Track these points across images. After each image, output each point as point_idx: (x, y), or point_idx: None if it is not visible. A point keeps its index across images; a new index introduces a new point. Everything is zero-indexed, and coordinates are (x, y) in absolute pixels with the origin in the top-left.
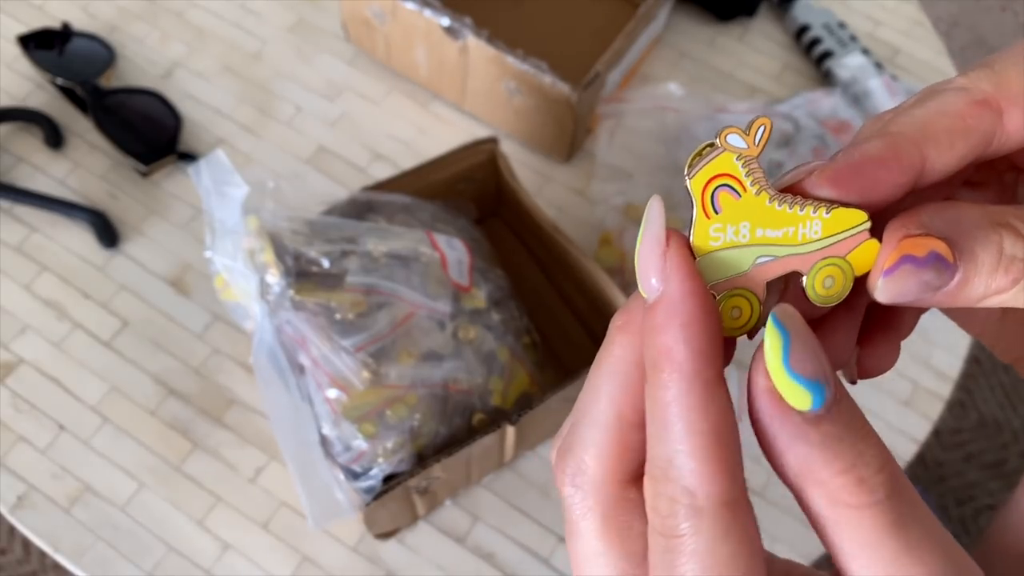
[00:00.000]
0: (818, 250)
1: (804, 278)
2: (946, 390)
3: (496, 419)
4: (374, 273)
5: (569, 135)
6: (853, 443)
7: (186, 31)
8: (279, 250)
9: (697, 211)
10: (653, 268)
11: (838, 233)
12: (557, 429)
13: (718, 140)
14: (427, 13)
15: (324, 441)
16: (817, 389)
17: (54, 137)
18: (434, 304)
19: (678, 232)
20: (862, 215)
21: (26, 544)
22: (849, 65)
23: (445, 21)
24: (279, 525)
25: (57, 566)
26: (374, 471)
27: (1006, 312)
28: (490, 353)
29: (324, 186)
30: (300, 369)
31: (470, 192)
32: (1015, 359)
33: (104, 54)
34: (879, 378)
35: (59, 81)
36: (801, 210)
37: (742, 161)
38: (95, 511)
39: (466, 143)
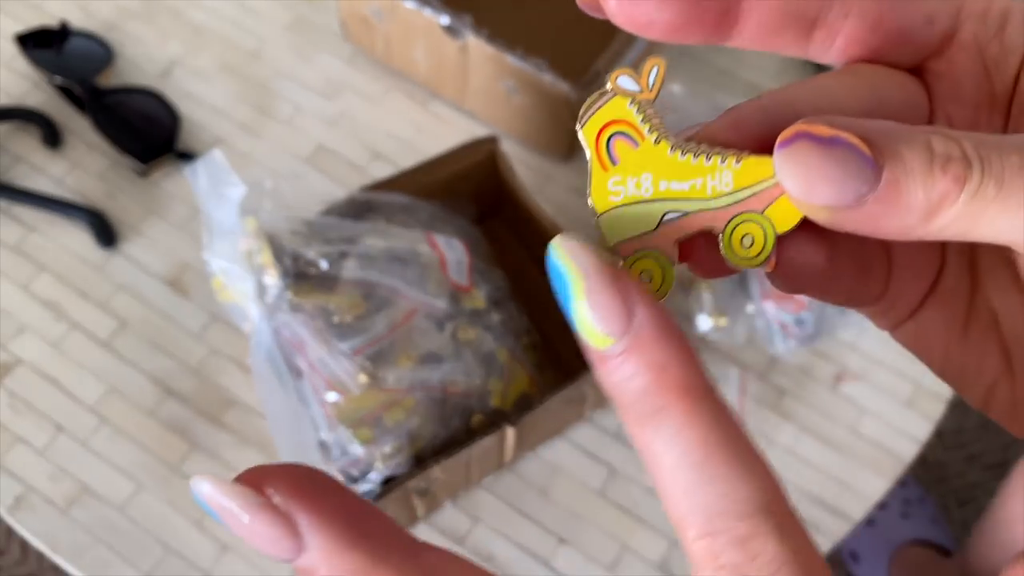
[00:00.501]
0: (731, 205)
1: (720, 237)
2: (948, 391)
3: (495, 420)
4: (372, 270)
5: (568, 134)
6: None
7: (184, 30)
8: (277, 251)
9: (593, 163)
10: (614, 304)
11: (752, 185)
12: (557, 430)
13: (608, 84)
14: (426, 12)
15: (322, 445)
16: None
17: (52, 136)
18: (432, 301)
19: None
20: None
21: (24, 545)
22: None
23: (444, 20)
24: None
25: (55, 567)
26: (372, 475)
27: (964, 334)
28: (489, 354)
29: (323, 185)
30: (297, 372)
31: (469, 191)
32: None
33: (102, 53)
34: (880, 379)
35: (57, 80)
36: (708, 160)
37: (636, 106)
38: (93, 512)
39: (465, 142)
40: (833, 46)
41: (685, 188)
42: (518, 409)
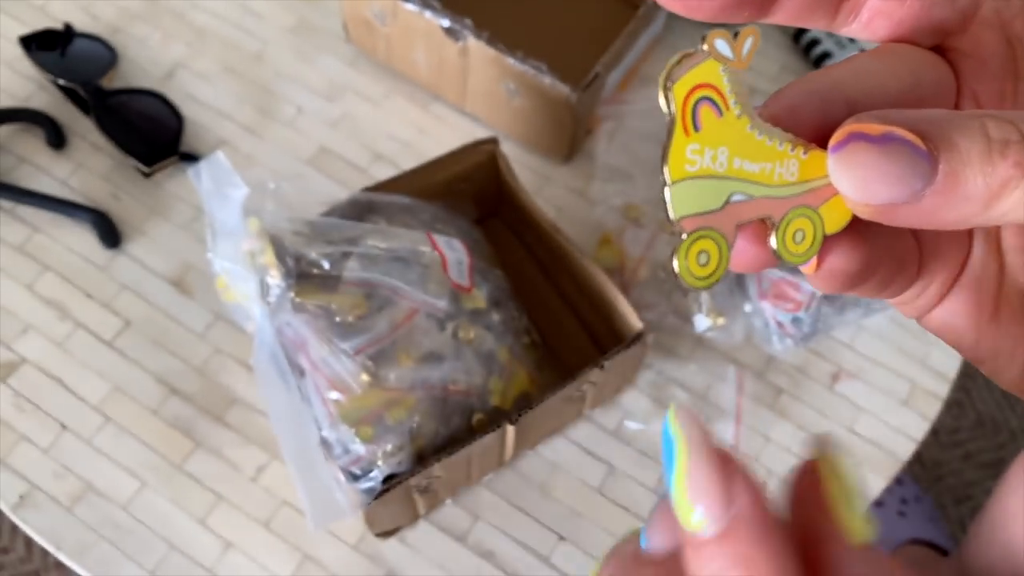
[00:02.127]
0: (792, 196)
1: (774, 228)
2: (944, 389)
3: (495, 419)
4: (374, 271)
5: (569, 136)
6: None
7: (187, 32)
8: (280, 252)
9: (677, 126)
10: (711, 496)
11: (813, 179)
12: (556, 428)
13: (704, 45)
14: (427, 14)
15: (324, 443)
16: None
17: (56, 138)
18: (433, 301)
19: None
20: None
21: (28, 543)
22: None
23: (445, 22)
24: (280, 524)
25: (59, 565)
26: (374, 473)
27: (999, 310)
28: (490, 353)
29: (325, 187)
30: (300, 371)
31: (470, 192)
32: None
33: (106, 55)
34: (877, 378)
35: (61, 82)
36: (780, 145)
37: (728, 74)
38: (97, 510)
39: (466, 144)
40: (858, 19)
41: (755, 170)
42: (518, 408)
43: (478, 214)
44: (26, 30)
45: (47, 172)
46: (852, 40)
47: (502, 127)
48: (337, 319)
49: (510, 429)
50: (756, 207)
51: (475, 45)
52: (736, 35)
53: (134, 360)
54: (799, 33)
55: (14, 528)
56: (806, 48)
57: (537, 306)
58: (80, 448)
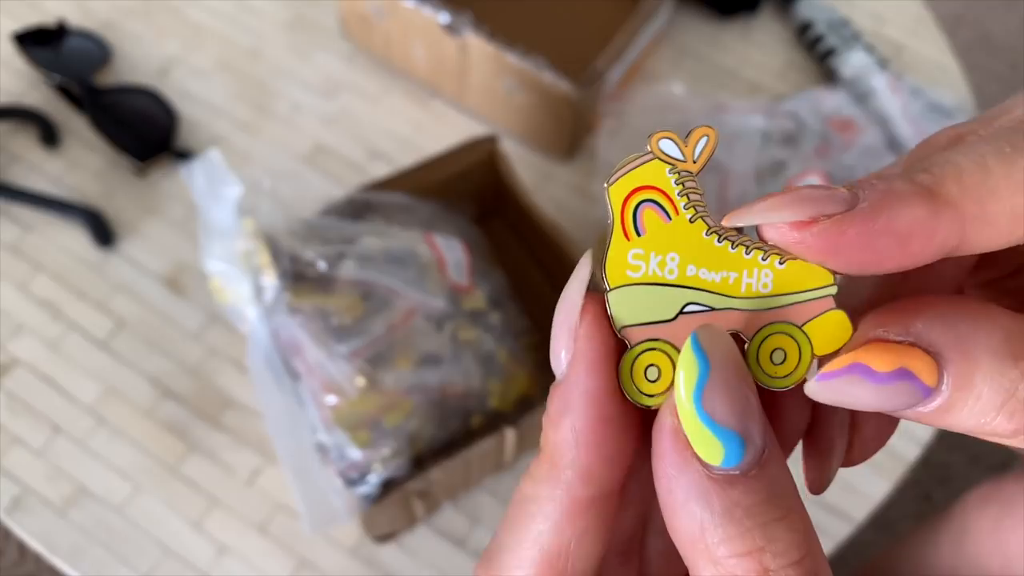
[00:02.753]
0: (765, 310)
1: (745, 345)
2: None
3: (494, 421)
4: (370, 271)
5: (569, 133)
6: (766, 522)
7: (182, 28)
8: (275, 252)
9: (615, 228)
10: (562, 342)
11: (794, 292)
12: None
13: (649, 145)
14: (426, 10)
15: (320, 447)
16: (733, 441)
17: (49, 135)
18: (431, 300)
19: (598, 303)
20: (828, 276)
21: (21, 546)
22: (852, 63)
23: (444, 18)
24: (276, 528)
25: (53, 568)
26: (371, 477)
27: None
28: (489, 355)
29: (322, 184)
30: (295, 374)
31: (469, 191)
32: None
33: (100, 52)
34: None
35: (55, 79)
36: (748, 252)
37: (676, 175)
38: (90, 513)
39: (465, 141)
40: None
41: (715, 279)
42: (518, 410)
43: (477, 213)
44: (19, 26)
45: (40, 170)
46: (857, 36)
47: (502, 124)
48: (333, 321)
49: (509, 432)
50: (717, 320)
51: (474, 41)
52: (689, 134)
53: (128, 361)
54: (803, 29)
55: (7, 532)
56: (810, 44)
57: (537, 306)
58: (73, 450)
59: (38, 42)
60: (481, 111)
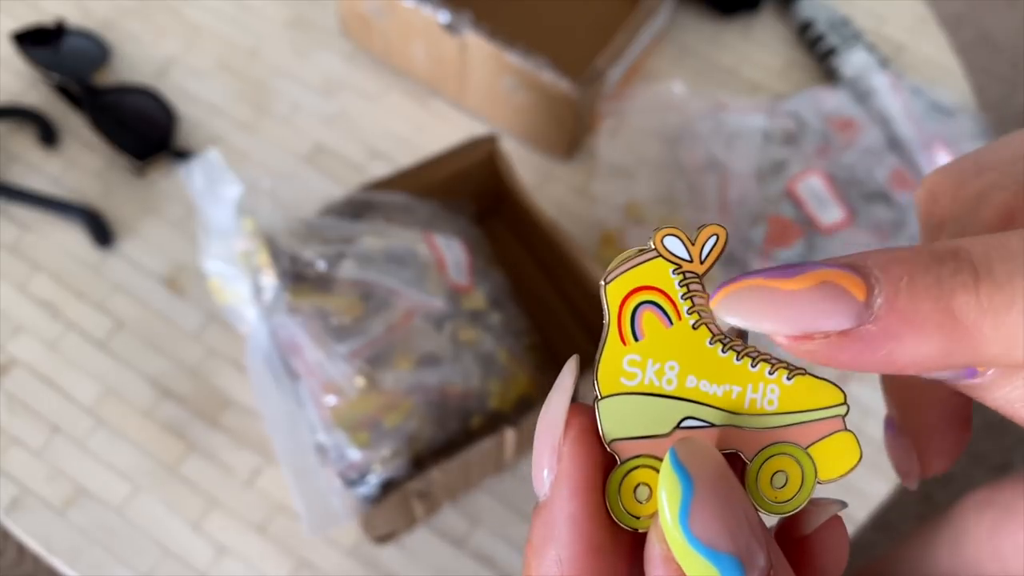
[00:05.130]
0: (769, 429)
1: (746, 466)
2: None
3: (494, 422)
4: (370, 271)
5: (570, 132)
6: None
7: (181, 28)
8: (275, 252)
9: (610, 331)
10: (544, 460)
11: (801, 411)
12: None
13: (652, 241)
14: (425, 9)
15: (319, 448)
16: (730, 565)
17: (48, 135)
18: (431, 300)
19: (584, 415)
20: (838, 394)
21: (20, 547)
22: (853, 62)
23: (444, 17)
24: (275, 528)
25: (52, 569)
26: (371, 478)
27: None
28: (489, 355)
29: (321, 184)
30: (294, 374)
31: (469, 190)
32: None
33: (99, 51)
34: (880, 379)
35: (53, 78)
36: (754, 365)
37: (680, 277)
38: (90, 513)
39: (465, 141)
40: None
41: (717, 393)
42: (518, 410)
43: (477, 213)
44: (18, 25)
45: (38, 170)
46: (858, 35)
47: (502, 124)
48: (333, 321)
49: (509, 432)
50: (716, 437)
51: (474, 40)
52: (697, 232)
53: (126, 361)
54: (804, 28)
55: (6, 532)
56: (811, 43)
57: (537, 306)
58: (72, 451)
59: (37, 42)
60: (481, 111)
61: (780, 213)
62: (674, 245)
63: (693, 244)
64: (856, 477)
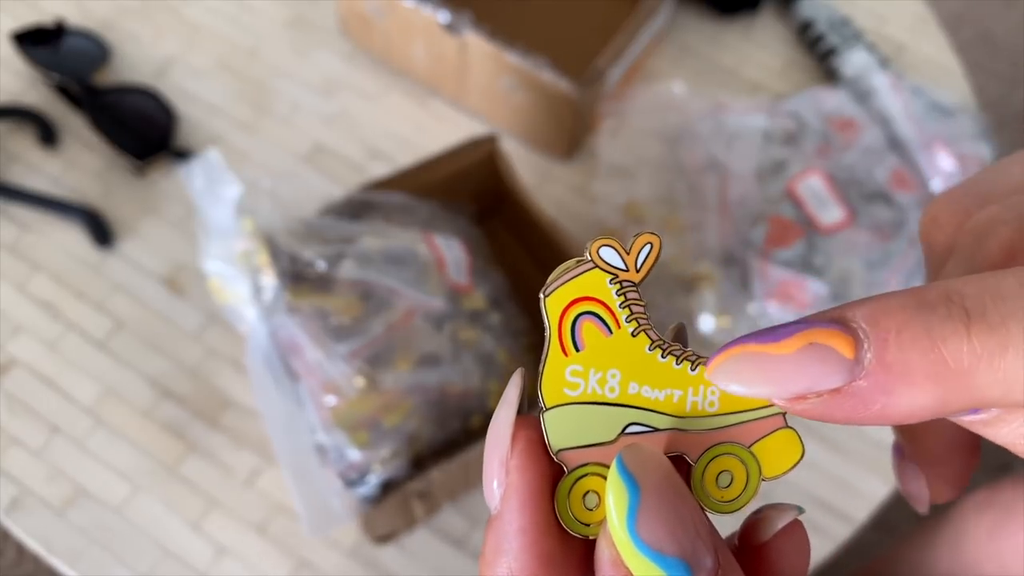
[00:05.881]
0: (711, 430)
1: (691, 468)
2: None
3: None
4: (370, 271)
5: (569, 132)
6: None
7: (181, 28)
8: (274, 252)
9: (552, 343)
10: (493, 473)
11: (742, 411)
12: None
13: (588, 253)
14: (425, 9)
15: (319, 448)
16: (677, 568)
17: (48, 135)
18: (430, 300)
19: (530, 427)
20: None
21: (20, 548)
22: (853, 62)
23: (443, 17)
24: (275, 529)
25: (52, 569)
26: (370, 478)
27: None
28: (489, 355)
29: (321, 184)
30: (294, 374)
31: (469, 190)
32: None
33: (98, 51)
34: None
35: (53, 78)
36: (693, 368)
37: (617, 286)
38: (89, 514)
39: (465, 140)
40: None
41: (659, 397)
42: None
43: (477, 212)
44: (18, 25)
45: (38, 170)
46: (858, 35)
47: (502, 124)
48: (332, 321)
49: None
50: (660, 441)
51: (474, 40)
52: (632, 242)
53: (126, 362)
54: (804, 28)
55: (6, 533)
56: (811, 43)
57: (537, 306)
58: (72, 451)
59: (37, 41)
60: (481, 111)
61: (780, 213)
62: (610, 255)
63: (628, 253)
64: (856, 477)
